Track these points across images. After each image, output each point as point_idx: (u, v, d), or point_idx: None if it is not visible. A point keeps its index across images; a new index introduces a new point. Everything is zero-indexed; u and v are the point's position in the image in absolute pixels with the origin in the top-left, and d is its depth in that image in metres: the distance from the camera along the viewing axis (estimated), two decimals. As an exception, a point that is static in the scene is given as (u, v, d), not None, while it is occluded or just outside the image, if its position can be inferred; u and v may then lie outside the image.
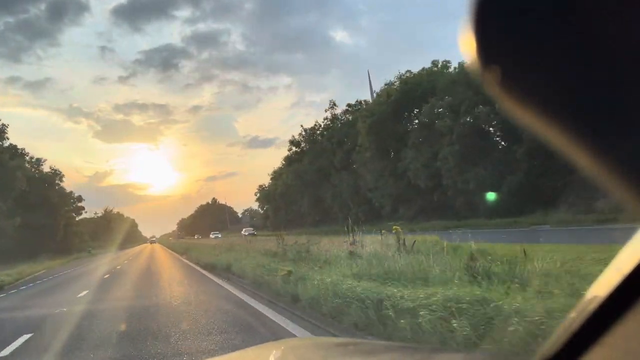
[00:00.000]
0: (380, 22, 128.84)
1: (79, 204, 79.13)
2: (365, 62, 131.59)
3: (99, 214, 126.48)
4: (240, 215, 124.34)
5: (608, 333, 0.58)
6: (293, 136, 61.19)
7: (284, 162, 64.66)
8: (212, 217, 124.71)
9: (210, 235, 64.82)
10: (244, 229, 56.34)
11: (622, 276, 0.53)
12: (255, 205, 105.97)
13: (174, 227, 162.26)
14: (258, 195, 77.75)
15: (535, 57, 0.41)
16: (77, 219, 77.59)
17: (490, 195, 28.71)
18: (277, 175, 65.62)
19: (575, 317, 0.62)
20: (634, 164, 0.40)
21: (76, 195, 78.05)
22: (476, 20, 0.42)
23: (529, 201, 26.30)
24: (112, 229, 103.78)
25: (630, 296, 0.53)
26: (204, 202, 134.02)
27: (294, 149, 61.81)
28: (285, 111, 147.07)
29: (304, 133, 58.85)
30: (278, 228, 44.84)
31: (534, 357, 0.73)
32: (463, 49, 0.44)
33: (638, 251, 0.52)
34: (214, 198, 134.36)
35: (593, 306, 0.58)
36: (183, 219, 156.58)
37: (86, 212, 76.32)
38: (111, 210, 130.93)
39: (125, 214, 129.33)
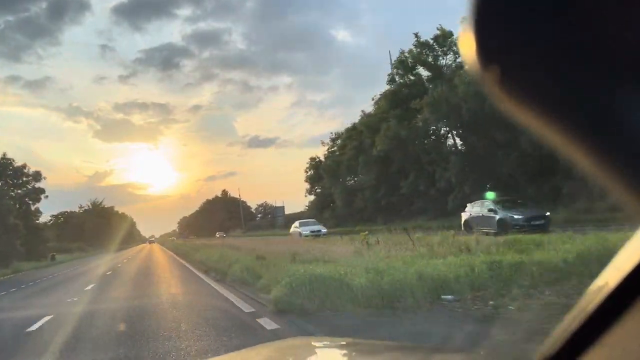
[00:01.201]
0: (382, 21, 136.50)
1: (37, 185, 44.35)
2: (366, 61, 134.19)
3: (85, 208, 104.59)
4: (253, 211, 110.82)
5: (608, 333, 0.58)
6: (401, 54, 36.02)
7: (377, 105, 39.08)
8: (222, 213, 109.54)
9: (296, 230, 30.70)
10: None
11: (622, 276, 0.54)
12: (271, 200, 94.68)
13: (174, 227, 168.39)
14: (309, 172, 43.28)
15: (535, 57, 0.41)
16: (34, 207, 42.61)
17: (490, 195, 22.09)
18: (354, 134, 32.05)
19: (575, 316, 0.64)
20: (634, 164, 0.40)
21: (31, 171, 43.33)
22: (476, 19, 0.42)
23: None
24: (103, 227, 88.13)
25: (630, 296, 0.54)
26: (210, 197, 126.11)
27: (398, 79, 36.46)
28: (286, 111, 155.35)
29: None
30: (348, 222, 30.11)
31: (534, 356, 0.75)
32: (462, 48, 0.44)
33: (637, 251, 0.52)
34: (224, 190, 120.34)
35: (593, 306, 0.59)
36: (185, 217, 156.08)
37: (46, 196, 40.84)
38: (100, 204, 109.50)
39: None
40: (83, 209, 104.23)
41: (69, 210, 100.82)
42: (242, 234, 75.55)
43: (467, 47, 0.43)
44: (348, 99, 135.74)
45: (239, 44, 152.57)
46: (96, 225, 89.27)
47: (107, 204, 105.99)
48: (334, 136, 50.57)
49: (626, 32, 0.37)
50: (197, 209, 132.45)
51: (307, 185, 54.63)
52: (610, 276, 0.56)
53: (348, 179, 44.27)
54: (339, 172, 43.19)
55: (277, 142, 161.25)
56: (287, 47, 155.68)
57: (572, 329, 0.64)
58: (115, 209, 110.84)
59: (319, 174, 50.84)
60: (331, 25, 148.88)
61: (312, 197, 55.54)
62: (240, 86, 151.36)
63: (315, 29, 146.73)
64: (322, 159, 51.61)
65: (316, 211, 51.61)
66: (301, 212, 69.91)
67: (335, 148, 49.10)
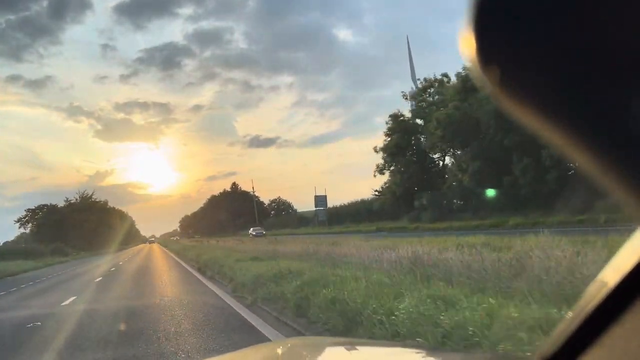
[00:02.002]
0: (384, 20, 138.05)
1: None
2: (368, 61, 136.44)
3: (73, 200, 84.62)
4: (266, 207, 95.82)
5: (607, 333, 0.60)
6: None
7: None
8: (231, 210, 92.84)
9: None
10: None
11: (621, 276, 0.55)
12: (284, 196, 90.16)
13: (175, 227, 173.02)
14: (393, 137, 19.07)
15: (534, 57, 0.42)
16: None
17: (490, 192, 24.71)
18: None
19: (574, 317, 0.66)
20: (634, 164, 0.41)
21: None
22: (476, 19, 0.43)
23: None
24: (94, 225, 71.24)
25: (629, 296, 0.55)
26: (216, 193, 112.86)
27: None
28: (287, 110, 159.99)
29: None
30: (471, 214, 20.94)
31: (533, 357, 0.78)
32: (463, 48, 0.44)
33: (636, 251, 0.53)
34: (234, 184, 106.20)
35: (592, 306, 0.61)
36: (186, 216, 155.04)
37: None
38: (90, 197, 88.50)
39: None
40: (69, 202, 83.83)
41: (49, 204, 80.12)
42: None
43: (467, 46, 0.43)
44: (349, 99, 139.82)
45: (240, 44, 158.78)
46: (85, 222, 73.86)
47: (106, 201, 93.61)
48: (424, 83, 31.60)
49: (626, 32, 0.38)
50: (201, 206, 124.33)
51: (380, 161, 35.57)
52: (609, 276, 0.57)
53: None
54: (477, 125, 23.95)
55: (278, 141, 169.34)
56: (288, 46, 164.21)
57: (571, 329, 0.65)
58: (111, 204, 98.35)
59: (408, 138, 31.80)
60: (333, 24, 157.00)
61: (381, 178, 36.50)
62: (241, 86, 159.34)
63: (317, 28, 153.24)
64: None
65: (400, 199, 32.48)
66: (353, 203, 51.04)
67: (436, 95, 30.07)
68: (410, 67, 47.84)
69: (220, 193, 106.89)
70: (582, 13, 0.39)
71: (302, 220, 68.23)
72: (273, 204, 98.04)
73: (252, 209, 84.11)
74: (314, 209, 57.12)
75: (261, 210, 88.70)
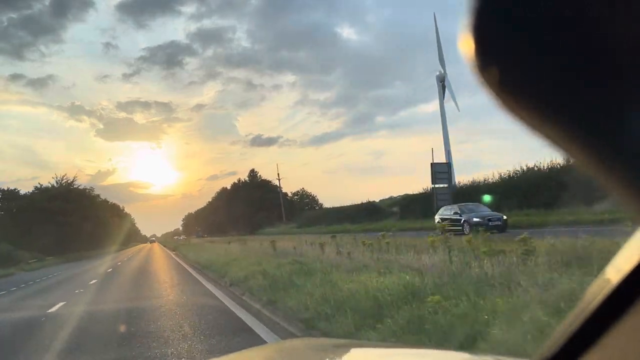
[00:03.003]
0: (386, 19, 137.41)
1: None
2: (370, 60, 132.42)
3: (44, 185, 65.72)
4: (288, 199, 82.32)
5: (607, 333, 0.61)
6: None
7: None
8: (250, 203, 74.98)
9: None
10: None
11: (622, 276, 0.55)
12: (305, 186, 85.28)
13: (177, 226, 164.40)
14: None
15: (533, 58, 0.42)
16: None
17: (486, 198, 24.62)
18: None
19: (574, 317, 0.67)
20: (633, 164, 0.41)
21: None
22: (475, 21, 0.43)
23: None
24: (77, 219, 54.36)
25: (629, 296, 0.56)
26: (228, 185, 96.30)
27: None
28: (288, 110, 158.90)
29: None
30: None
31: (533, 357, 0.79)
32: (462, 49, 0.45)
33: (637, 251, 0.54)
34: (252, 170, 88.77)
35: (592, 306, 0.62)
36: (190, 214, 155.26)
37: None
38: (71, 183, 67.80)
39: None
40: (41, 186, 62.72)
41: (6, 189, 57.10)
42: (297, 228, 50.80)
43: (466, 47, 0.44)
44: (351, 98, 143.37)
45: (242, 42, 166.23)
46: (59, 215, 53.46)
47: (92, 189, 74.80)
48: None
49: (626, 32, 0.38)
50: (209, 201, 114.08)
51: None
52: (610, 277, 0.57)
53: None
54: None
55: (280, 141, 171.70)
56: (291, 45, 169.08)
57: (571, 330, 0.65)
58: (98, 193, 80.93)
59: None
60: (335, 23, 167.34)
61: None
62: (244, 85, 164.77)
63: (319, 27, 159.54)
64: None
65: None
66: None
67: None
68: (438, 49, 43.88)
69: (233, 184, 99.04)
70: (581, 14, 0.39)
71: (373, 212, 45.83)
72: (295, 197, 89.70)
73: (273, 201, 74.54)
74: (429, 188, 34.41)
75: (285, 202, 79.15)
